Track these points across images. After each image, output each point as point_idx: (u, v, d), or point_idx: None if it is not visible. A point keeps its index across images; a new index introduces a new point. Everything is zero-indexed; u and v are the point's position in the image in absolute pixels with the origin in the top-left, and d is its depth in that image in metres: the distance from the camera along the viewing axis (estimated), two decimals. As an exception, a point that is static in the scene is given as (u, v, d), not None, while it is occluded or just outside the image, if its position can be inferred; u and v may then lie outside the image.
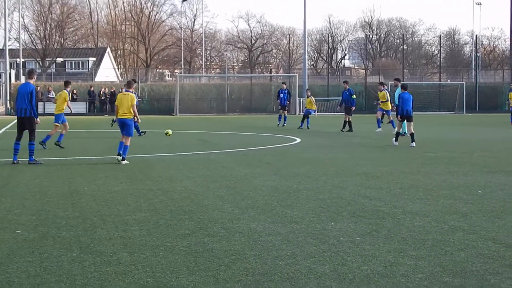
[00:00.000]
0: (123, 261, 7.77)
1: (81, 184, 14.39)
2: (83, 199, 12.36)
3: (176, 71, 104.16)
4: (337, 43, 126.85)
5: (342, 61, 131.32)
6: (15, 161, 18.68)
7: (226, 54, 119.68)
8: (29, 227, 9.72)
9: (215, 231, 9.43)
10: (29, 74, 19.06)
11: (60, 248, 8.44)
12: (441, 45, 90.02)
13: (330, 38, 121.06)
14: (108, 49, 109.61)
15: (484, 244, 8.52)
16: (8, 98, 66.26)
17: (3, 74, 72.03)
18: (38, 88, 65.29)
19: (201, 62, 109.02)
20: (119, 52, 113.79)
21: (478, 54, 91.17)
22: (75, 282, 6.96)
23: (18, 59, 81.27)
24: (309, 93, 39.81)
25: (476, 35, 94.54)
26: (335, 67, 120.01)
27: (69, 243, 8.73)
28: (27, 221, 10.23)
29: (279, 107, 41.87)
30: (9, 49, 72.40)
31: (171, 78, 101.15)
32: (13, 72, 74.13)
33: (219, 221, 10.12)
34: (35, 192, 13.27)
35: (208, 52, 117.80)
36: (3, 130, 36.74)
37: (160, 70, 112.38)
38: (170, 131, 29.40)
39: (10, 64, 72.82)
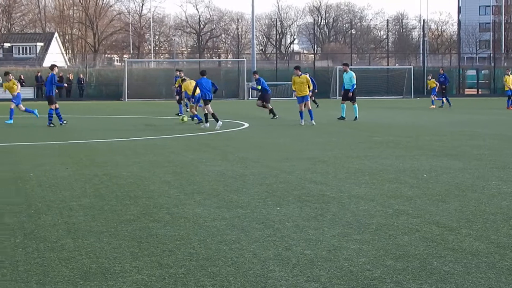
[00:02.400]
0: (67, 247, 7.71)
1: (26, 170, 14.23)
2: (28, 185, 12.22)
3: (124, 56, 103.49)
4: (286, 28, 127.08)
5: (291, 45, 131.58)
6: None
7: (175, 39, 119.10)
8: (-29, 214, 9.60)
9: (160, 216, 9.39)
10: None
11: (3, 234, 8.34)
12: (389, 29, 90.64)
13: (278, 23, 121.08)
14: (56, 34, 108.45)
15: (427, 228, 8.61)
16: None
17: None
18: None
19: (149, 47, 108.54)
20: (67, 37, 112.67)
21: (425, 39, 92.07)
22: (18, 268, 6.89)
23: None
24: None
25: (424, 20, 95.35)
26: (284, 52, 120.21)
27: (13, 229, 8.63)
28: (-31, 208, 10.09)
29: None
30: (-46, 34, 71.25)
31: (119, 63, 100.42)
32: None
33: (165, 207, 10.09)
34: (-22, 179, 13.10)
35: (157, 37, 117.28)
36: None
37: (109, 55, 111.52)
38: (185, 118, 29.73)
39: None
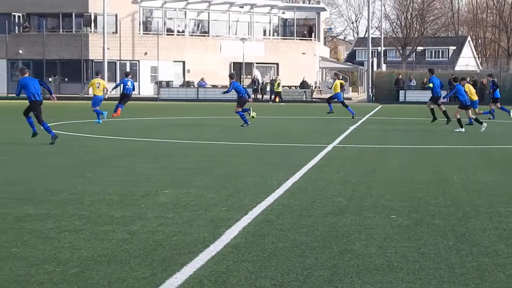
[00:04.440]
0: (501, 253, 7.65)
1: (449, 173, 14.32)
2: (453, 188, 12.29)
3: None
4: None
5: None
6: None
7: None
8: (403, 213, 9.87)
9: None
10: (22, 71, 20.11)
11: (435, 235, 8.48)
12: None
13: None
14: (469, 38, 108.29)
15: None
16: (370, 85, 67.71)
17: (366, 62, 73.97)
18: (400, 76, 65.93)
19: None
20: (479, 41, 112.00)
21: None
22: (454, 270, 6.96)
23: (379, 48, 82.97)
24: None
25: None
26: None
27: (444, 231, 8.74)
28: (399, 207, 10.39)
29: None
30: (371, 38, 74.03)
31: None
32: (374, 60, 75.74)
33: None
34: (404, 179, 13.40)
35: None
36: (367, 116, 37.55)
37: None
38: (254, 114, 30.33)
39: (372, 52, 74.40)
